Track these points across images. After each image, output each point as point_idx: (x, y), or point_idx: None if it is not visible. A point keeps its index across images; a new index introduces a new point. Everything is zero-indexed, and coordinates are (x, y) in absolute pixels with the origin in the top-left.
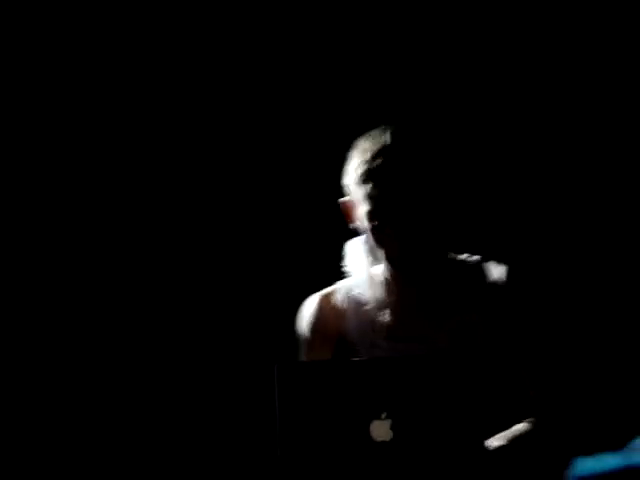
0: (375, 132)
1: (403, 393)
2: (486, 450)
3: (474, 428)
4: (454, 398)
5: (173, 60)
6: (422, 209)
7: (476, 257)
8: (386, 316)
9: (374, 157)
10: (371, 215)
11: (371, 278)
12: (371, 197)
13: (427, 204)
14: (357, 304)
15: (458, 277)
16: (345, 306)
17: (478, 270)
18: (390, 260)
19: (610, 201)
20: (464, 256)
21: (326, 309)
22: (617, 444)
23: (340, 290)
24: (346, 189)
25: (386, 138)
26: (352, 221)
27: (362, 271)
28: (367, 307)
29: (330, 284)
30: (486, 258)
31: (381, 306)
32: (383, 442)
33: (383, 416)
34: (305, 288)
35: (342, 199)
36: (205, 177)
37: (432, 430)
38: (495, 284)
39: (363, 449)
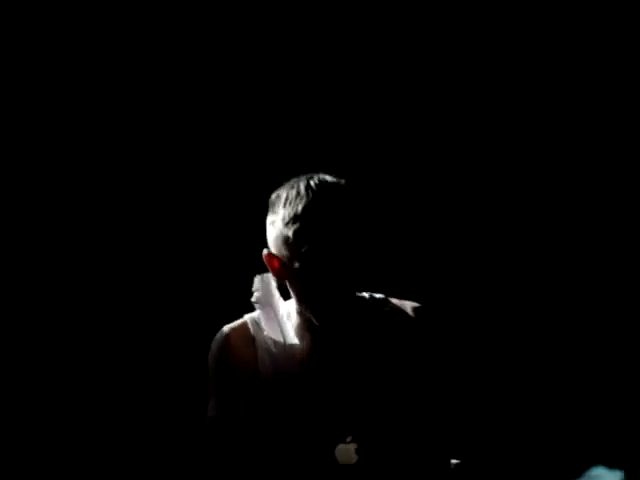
0: (286, 190)
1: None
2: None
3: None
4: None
5: (173, 61)
6: (343, 253)
7: (379, 295)
8: (299, 358)
9: (289, 221)
10: (298, 277)
11: (285, 316)
12: (295, 244)
13: (347, 249)
14: (269, 343)
15: (366, 316)
16: (257, 343)
17: (385, 307)
18: (317, 317)
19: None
20: (367, 294)
21: (238, 344)
22: (575, 473)
23: (251, 325)
24: (269, 239)
25: (299, 202)
26: (271, 268)
27: (274, 307)
28: (280, 348)
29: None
30: (390, 295)
31: (294, 348)
32: (348, 465)
33: (348, 440)
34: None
35: (265, 250)
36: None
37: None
38: (406, 320)
39: (329, 472)
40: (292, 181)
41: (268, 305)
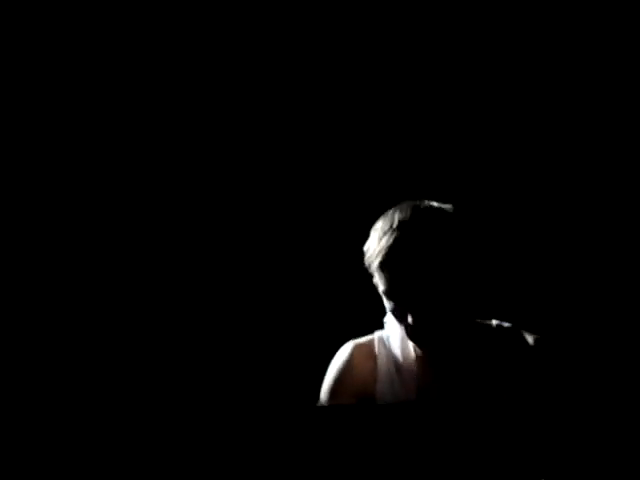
0: (388, 212)
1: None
2: None
3: None
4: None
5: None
6: (433, 288)
7: (507, 324)
8: (417, 384)
9: (380, 239)
10: (386, 295)
11: (405, 342)
12: (383, 278)
13: (438, 283)
14: (391, 364)
15: (485, 345)
16: (379, 363)
17: (510, 336)
18: (409, 336)
19: None
20: (494, 322)
21: (360, 361)
22: None
23: (377, 343)
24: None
25: (393, 220)
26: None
27: (398, 333)
28: (400, 371)
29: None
30: (517, 325)
31: (413, 373)
32: None
33: None
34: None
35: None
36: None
37: None
38: (528, 352)
39: None
40: (394, 207)
41: (396, 326)
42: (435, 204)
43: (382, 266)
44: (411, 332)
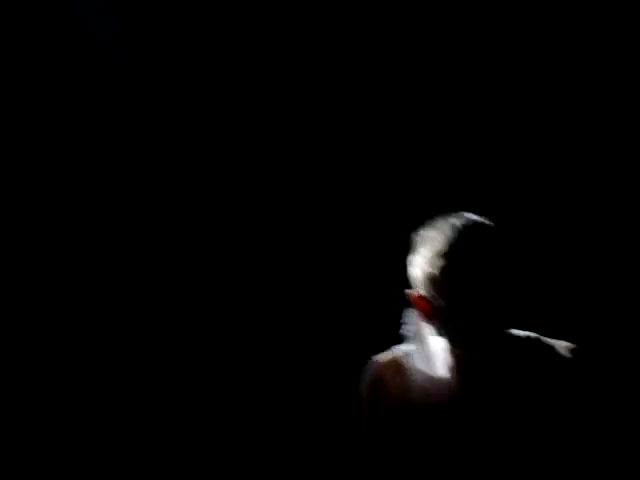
0: (434, 230)
1: None
2: None
3: None
4: None
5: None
6: (488, 304)
7: (533, 334)
8: (450, 392)
9: (435, 258)
10: (434, 312)
11: (435, 354)
12: (434, 296)
13: (493, 299)
14: (425, 379)
15: (519, 355)
16: (413, 379)
17: (537, 347)
18: (454, 348)
19: None
20: (524, 334)
21: (391, 378)
22: None
23: (402, 357)
24: (411, 278)
25: (446, 239)
26: (418, 308)
27: (424, 341)
28: (433, 382)
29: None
30: (544, 335)
31: (445, 382)
32: None
33: None
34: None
35: (409, 291)
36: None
37: None
38: (559, 361)
39: None
40: (437, 221)
41: (419, 339)
42: (478, 219)
43: (437, 287)
44: (455, 345)
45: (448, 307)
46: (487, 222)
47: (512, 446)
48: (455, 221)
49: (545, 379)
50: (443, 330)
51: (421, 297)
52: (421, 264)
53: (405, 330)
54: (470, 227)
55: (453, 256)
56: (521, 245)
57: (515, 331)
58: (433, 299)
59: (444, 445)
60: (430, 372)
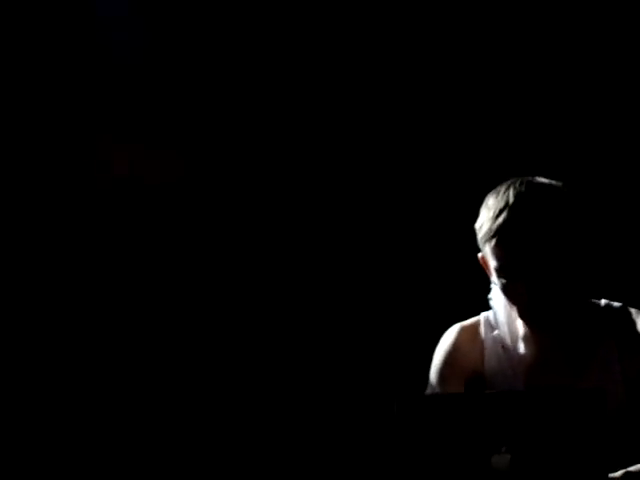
0: (500, 188)
1: (523, 427)
2: None
3: (594, 464)
4: (574, 434)
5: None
6: (549, 265)
7: (617, 303)
8: (525, 363)
9: (496, 216)
10: (499, 272)
11: (512, 322)
12: (496, 255)
13: (554, 260)
14: (498, 345)
15: (598, 324)
16: (486, 344)
17: (620, 316)
18: (522, 314)
19: None
20: (604, 302)
21: (466, 344)
22: None
23: (483, 325)
24: (479, 244)
25: (509, 196)
26: (489, 274)
27: (504, 312)
28: (508, 351)
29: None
30: (629, 304)
31: (521, 352)
32: (503, 475)
33: (503, 450)
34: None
35: (480, 254)
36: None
37: (551, 465)
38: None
39: None
40: (504, 183)
41: (501, 306)
42: (547, 180)
43: (499, 243)
44: (523, 311)
45: (501, 268)
46: (555, 183)
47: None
48: (520, 180)
49: (619, 347)
50: (507, 297)
51: (483, 258)
52: (483, 222)
53: (492, 297)
54: (533, 187)
55: (509, 213)
56: (596, 209)
57: (601, 300)
58: (490, 258)
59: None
60: (508, 341)
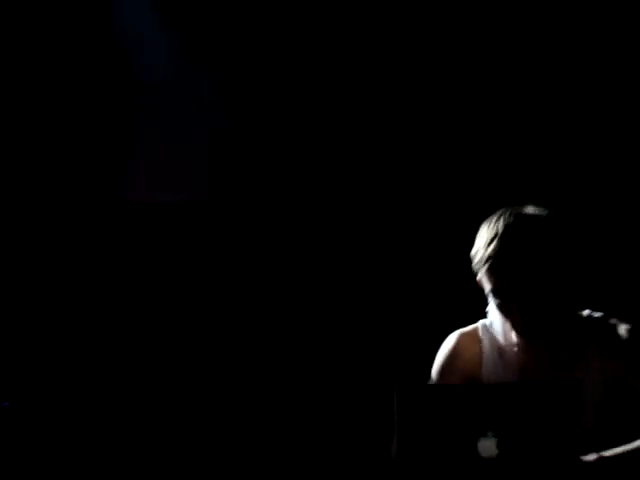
0: (492, 218)
1: (507, 414)
2: (583, 465)
3: (569, 446)
4: (553, 420)
5: None
6: (537, 287)
7: (598, 314)
8: (519, 366)
9: (488, 245)
10: (493, 293)
11: (507, 332)
12: (490, 279)
13: (541, 282)
14: (494, 349)
15: (581, 332)
16: (484, 349)
17: (601, 325)
18: (515, 327)
19: None
20: (586, 313)
21: (465, 348)
22: None
23: (481, 331)
24: (474, 269)
25: (498, 227)
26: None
27: (500, 324)
28: (503, 356)
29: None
30: (609, 315)
31: (515, 357)
32: (489, 458)
33: (489, 434)
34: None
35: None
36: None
37: (534, 448)
38: (619, 339)
39: (471, 465)
40: (496, 213)
41: (497, 318)
42: (534, 210)
43: (491, 270)
44: (516, 325)
45: (495, 288)
46: (543, 212)
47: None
48: (511, 210)
49: (602, 356)
50: (502, 313)
51: (479, 281)
52: (479, 248)
53: (489, 308)
54: (524, 215)
55: (498, 243)
56: (578, 234)
57: (585, 311)
58: (487, 279)
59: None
60: (504, 346)
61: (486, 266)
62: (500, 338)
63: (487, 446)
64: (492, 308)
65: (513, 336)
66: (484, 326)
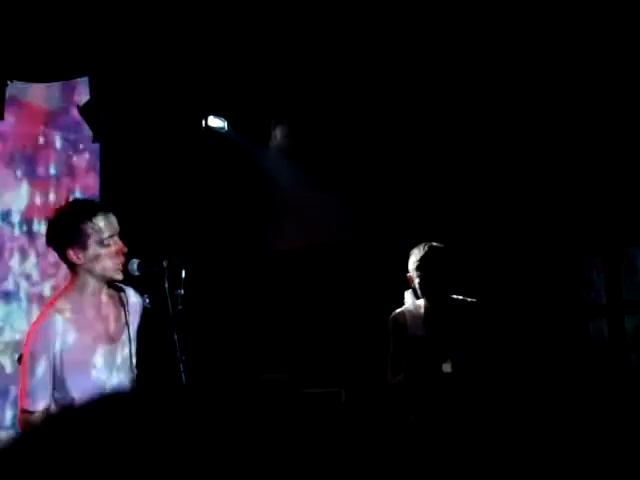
0: (419, 246)
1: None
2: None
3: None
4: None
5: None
6: (436, 279)
7: (471, 299)
8: (422, 322)
9: (417, 260)
10: (419, 282)
11: (417, 306)
12: (418, 275)
13: (439, 276)
14: (413, 317)
15: (456, 307)
16: (408, 317)
17: (467, 304)
18: (427, 298)
19: None
20: (460, 297)
21: (400, 318)
22: None
23: (406, 309)
24: (409, 270)
25: (421, 251)
26: (411, 284)
27: (412, 303)
28: (416, 319)
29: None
30: (473, 298)
31: (421, 319)
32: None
33: (448, 360)
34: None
35: (408, 274)
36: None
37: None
38: (472, 311)
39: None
40: (417, 246)
41: (410, 299)
42: (436, 244)
43: (417, 269)
44: (429, 295)
45: (418, 282)
46: (439, 245)
47: (453, 349)
48: (423, 245)
49: (464, 317)
50: (419, 293)
51: (410, 277)
52: (410, 262)
53: (406, 297)
54: (429, 248)
55: (419, 260)
56: (456, 257)
57: (454, 295)
58: (414, 278)
59: (424, 349)
60: (415, 314)
61: (415, 269)
62: (412, 310)
63: (446, 367)
64: (408, 295)
65: (421, 307)
66: (406, 307)
